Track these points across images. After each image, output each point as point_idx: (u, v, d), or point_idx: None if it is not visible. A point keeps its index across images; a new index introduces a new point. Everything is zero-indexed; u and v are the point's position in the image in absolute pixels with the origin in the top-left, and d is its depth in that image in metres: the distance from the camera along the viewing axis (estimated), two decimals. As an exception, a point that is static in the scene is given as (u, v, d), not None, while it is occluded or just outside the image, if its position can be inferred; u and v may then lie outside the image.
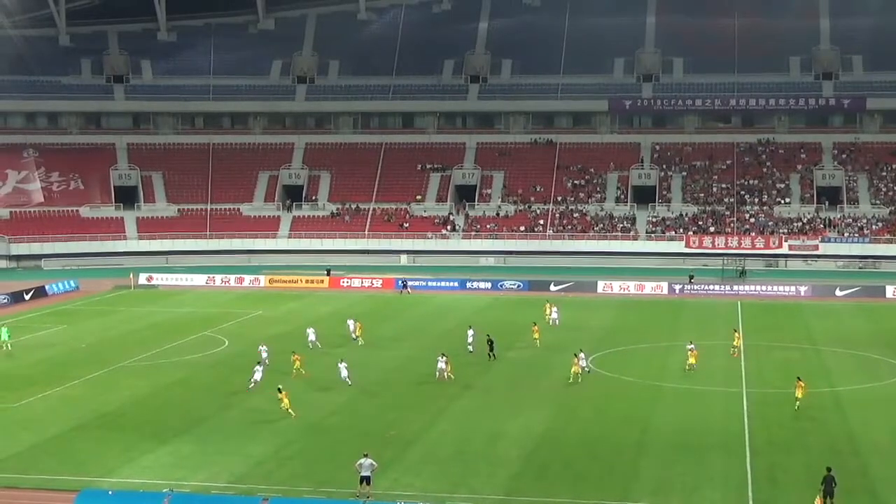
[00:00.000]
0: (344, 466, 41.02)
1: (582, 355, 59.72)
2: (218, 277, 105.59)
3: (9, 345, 68.50)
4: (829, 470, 38.69)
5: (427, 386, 57.99)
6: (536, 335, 69.68)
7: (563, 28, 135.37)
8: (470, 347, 66.23)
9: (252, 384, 56.34)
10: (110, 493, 37.17)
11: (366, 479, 39.55)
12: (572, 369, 58.07)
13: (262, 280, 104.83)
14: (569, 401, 54.74)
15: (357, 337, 71.44)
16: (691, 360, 61.51)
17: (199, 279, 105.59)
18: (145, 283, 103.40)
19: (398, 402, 54.54)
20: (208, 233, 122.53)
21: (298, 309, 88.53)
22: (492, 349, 64.98)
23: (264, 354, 61.42)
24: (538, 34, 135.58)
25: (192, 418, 50.53)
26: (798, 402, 51.33)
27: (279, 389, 51.28)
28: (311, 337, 69.05)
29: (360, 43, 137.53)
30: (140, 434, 48.24)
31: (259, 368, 57.57)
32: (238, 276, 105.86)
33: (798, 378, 52.94)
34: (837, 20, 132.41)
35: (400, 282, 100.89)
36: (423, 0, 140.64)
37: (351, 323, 73.17)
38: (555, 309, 79.15)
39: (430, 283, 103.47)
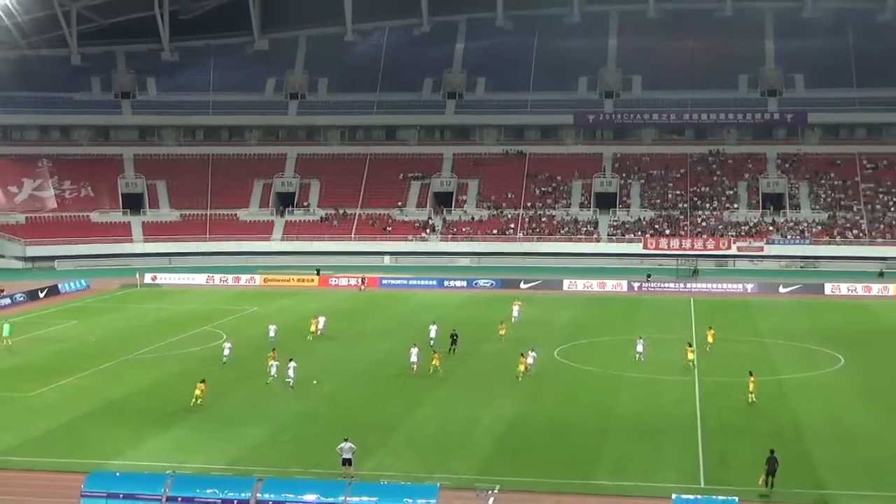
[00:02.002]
0: (332, 450, 40.91)
1: (532, 354, 58.55)
2: (217, 277, 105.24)
3: (9, 341, 67.79)
4: (772, 452, 38.76)
5: (408, 377, 57.82)
6: (503, 332, 69.39)
7: (532, 49, 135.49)
8: (432, 342, 65.23)
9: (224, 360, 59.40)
10: (118, 474, 36.96)
11: (347, 462, 39.57)
12: (519, 367, 56.87)
13: (258, 279, 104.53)
14: (537, 390, 54.71)
15: (312, 334, 70.17)
16: (689, 356, 59.98)
17: (200, 278, 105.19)
18: (150, 282, 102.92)
19: (381, 392, 54.39)
20: (208, 236, 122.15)
21: (291, 305, 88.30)
22: (454, 343, 64.44)
23: (227, 352, 60.95)
24: (509, 54, 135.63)
25: (192, 406, 50.30)
26: (752, 396, 51.21)
27: (202, 380, 50.96)
28: (272, 334, 68.09)
29: (347, 62, 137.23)
30: (145, 420, 48.04)
31: (228, 346, 60.83)
32: (235, 275, 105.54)
33: (750, 373, 52.84)
34: (781, 42, 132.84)
35: (359, 280, 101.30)
36: (404, 23, 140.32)
37: (322, 319, 72.50)
38: (517, 307, 78.77)
39: (410, 282, 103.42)
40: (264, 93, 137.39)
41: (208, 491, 34.06)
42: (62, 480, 38.73)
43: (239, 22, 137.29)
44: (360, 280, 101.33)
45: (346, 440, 40.02)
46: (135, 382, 56.59)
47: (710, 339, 65.49)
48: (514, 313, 77.58)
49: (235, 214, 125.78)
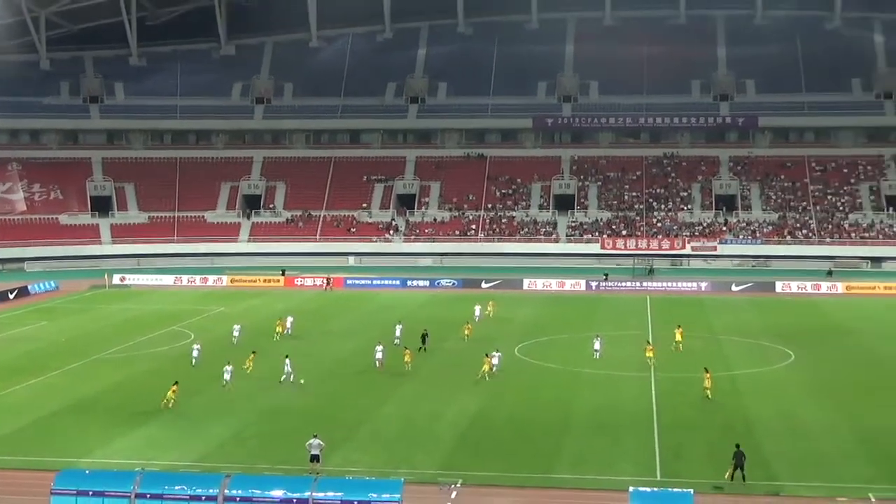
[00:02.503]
0: (298, 446, 40.80)
1: (496, 354, 58.06)
2: (184, 278, 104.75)
3: None
4: (737, 446, 39.05)
5: (373, 374, 57.78)
6: (468, 332, 69.15)
7: (492, 55, 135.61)
8: (396, 341, 65.11)
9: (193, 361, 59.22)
10: (87, 472, 36.68)
11: (315, 458, 39.46)
12: (483, 367, 56.39)
13: (225, 280, 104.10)
14: (498, 386, 54.75)
15: (278, 333, 69.73)
16: (649, 354, 60.11)
17: (168, 279, 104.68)
18: (119, 283, 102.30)
19: (347, 389, 54.31)
20: (175, 238, 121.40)
21: (257, 306, 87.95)
22: (424, 342, 64.53)
23: (195, 354, 60.43)
24: (470, 60, 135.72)
25: (163, 407, 49.99)
26: (708, 391, 51.43)
27: (175, 382, 50.58)
28: (235, 333, 67.68)
29: (312, 68, 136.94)
30: (114, 419, 47.70)
31: (197, 347, 60.66)
32: (202, 276, 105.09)
33: (706, 369, 53.06)
34: (733, 49, 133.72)
35: (324, 280, 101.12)
36: (368, 30, 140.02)
37: (290, 319, 72.16)
38: (478, 308, 78.37)
39: (374, 282, 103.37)
40: (231, 97, 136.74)
41: (177, 487, 33.91)
42: (32, 478, 38.38)
43: (205, 28, 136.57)
44: (325, 280, 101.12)
45: (314, 436, 39.94)
46: (104, 381, 56.18)
47: (678, 338, 65.08)
48: (476, 313, 77.49)
49: (203, 216, 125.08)
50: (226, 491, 33.54)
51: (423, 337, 64.99)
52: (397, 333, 66.71)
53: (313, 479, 35.05)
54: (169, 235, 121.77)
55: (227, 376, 53.80)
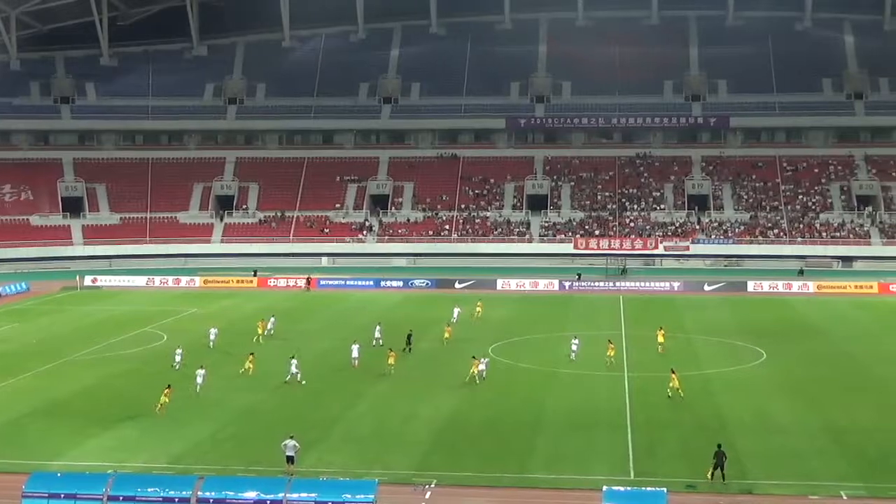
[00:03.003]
0: (272, 447, 40.67)
1: (484, 360, 57.38)
2: (157, 279, 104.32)
3: None
4: (719, 446, 39.20)
5: (346, 373, 57.67)
6: (447, 335, 68.36)
7: (465, 55, 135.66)
8: (375, 342, 65.27)
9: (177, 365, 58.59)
10: (59, 474, 36.40)
11: (290, 459, 39.35)
12: (471, 370, 55.92)
13: (197, 281, 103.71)
14: (473, 386, 54.74)
15: (259, 335, 69.29)
16: (610, 353, 60.09)
17: (140, 280, 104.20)
18: (90, 284, 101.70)
19: (322, 389, 54.08)
20: (148, 238, 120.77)
21: (230, 306, 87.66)
22: (409, 342, 64.57)
23: (178, 358, 59.81)
24: (443, 60, 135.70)
25: (134, 406, 49.73)
26: (670, 391, 51.54)
27: (168, 385, 50.09)
28: (212, 336, 66.94)
29: (285, 68, 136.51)
30: (86, 421, 47.35)
31: (179, 351, 59.79)
32: (175, 277, 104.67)
33: (672, 370, 53.18)
34: (704, 49, 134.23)
35: (304, 280, 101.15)
36: (340, 29, 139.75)
37: (272, 320, 71.96)
38: (457, 310, 77.70)
39: (348, 283, 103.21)
40: (203, 98, 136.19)
41: (149, 490, 33.76)
42: (3, 481, 38.04)
43: (177, 28, 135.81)
44: (306, 280, 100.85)
45: (290, 437, 39.85)
46: (76, 383, 55.77)
47: (660, 339, 64.61)
48: (454, 315, 76.82)
49: (175, 217, 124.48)
50: (199, 493, 33.43)
51: (409, 337, 65.07)
52: (377, 334, 66.73)
53: (287, 480, 34.97)
54: (141, 236, 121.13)
55: (199, 380, 53.10)
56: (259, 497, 33.36)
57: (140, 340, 69.87)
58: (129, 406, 49.42)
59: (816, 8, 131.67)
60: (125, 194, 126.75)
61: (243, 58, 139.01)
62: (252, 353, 58.71)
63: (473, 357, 57.58)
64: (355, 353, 58.89)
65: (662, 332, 65.86)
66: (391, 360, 57.87)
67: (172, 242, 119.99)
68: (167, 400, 48.53)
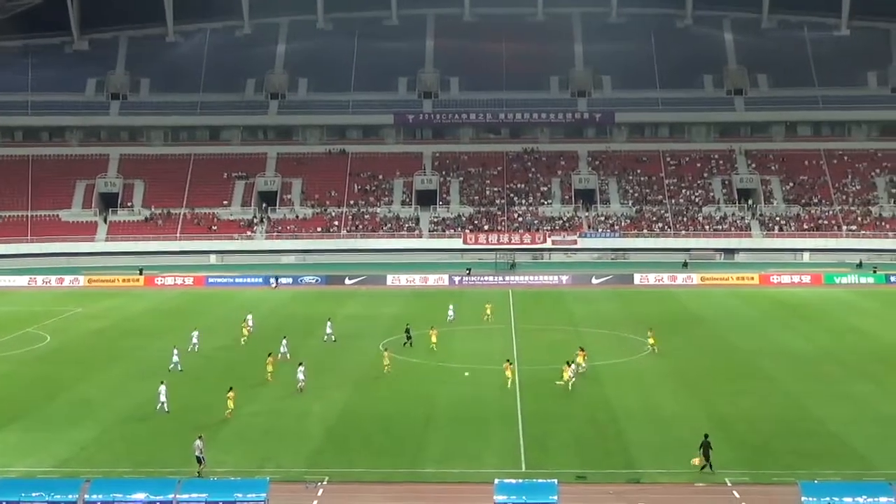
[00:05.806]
0: (162, 448, 40.10)
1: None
2: (39, 278, 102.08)
3: None
4: (706, 436, 40.11)
5: (238, 371, 57.00)
6: (434, 339, 65.14)
7: (352, 50, 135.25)
8: (329, 337, 65.91)
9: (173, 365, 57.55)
10: (-62, 482, 35.43)
11: (199, 460, 39.16)
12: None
13: (81, 280, 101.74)
14: (365, 382, 54.76)
15: (245, 337, 68.08)
16: (508, 374, 54.04)
17: (21, 280, 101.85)
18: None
19: (212, 387, 53.15)
20: (29, 237, 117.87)
21: (116, 305, 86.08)
22: (409, 337, 64.84)
23: (175, 357, 58.41)
24: (331, 56, 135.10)
25: (17, 409, 48.58)
26: (561, 383, 52.13)
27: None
28: (194, 340, 64.63)
29: (169, 63, 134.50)
30: (-33, 426, 46.14)
31: (176, 351, 58.74)
32: (58, 276, 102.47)
33: (567, 363, 53.79)
34: (589, 46, 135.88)
35: (272, 279, 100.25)
36: (226, 24, 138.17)
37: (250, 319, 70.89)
38: (452, 308, 76.27)
39: (236, 280, 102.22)
40: (85, 93, 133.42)
41: (34, 494, 33.04)
42: None
43: (57, 21, 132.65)
44: (273, 279, 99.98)
45: (199, 438, 39.70)
46: (-45, 387, 54.24)
47: (581, 361, 57.49)
48: (450, 314, 75.32)
49: (57, 216, 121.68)
50: (86, 496, 32.79)
51: (408, 331, 65.41)
52: (328, 331, 67.07)
53: (177, 481, 34.50)
54: (22, 235, 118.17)
55: (300, 376, 52.50)
56: (148, 499, 32.85)
57: (22, 342, 68.16)
58: (11, 409, 48.25)
59: (697, 5, 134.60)
60: (5, 192, 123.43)
61: (126, 52, 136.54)
62: (270, 354, 57.34)
63: (507, 360, 55.66)
64: (301, 376, 53.99)
65: (583, 353, 58.38)
66: (386, 362, 57.24)
67: (55, 241, 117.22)
68: (231, 404, 47.39)
